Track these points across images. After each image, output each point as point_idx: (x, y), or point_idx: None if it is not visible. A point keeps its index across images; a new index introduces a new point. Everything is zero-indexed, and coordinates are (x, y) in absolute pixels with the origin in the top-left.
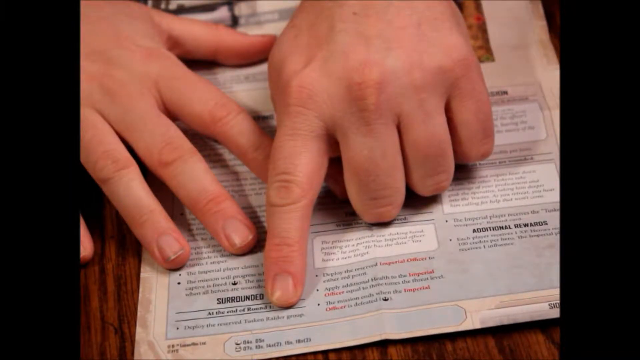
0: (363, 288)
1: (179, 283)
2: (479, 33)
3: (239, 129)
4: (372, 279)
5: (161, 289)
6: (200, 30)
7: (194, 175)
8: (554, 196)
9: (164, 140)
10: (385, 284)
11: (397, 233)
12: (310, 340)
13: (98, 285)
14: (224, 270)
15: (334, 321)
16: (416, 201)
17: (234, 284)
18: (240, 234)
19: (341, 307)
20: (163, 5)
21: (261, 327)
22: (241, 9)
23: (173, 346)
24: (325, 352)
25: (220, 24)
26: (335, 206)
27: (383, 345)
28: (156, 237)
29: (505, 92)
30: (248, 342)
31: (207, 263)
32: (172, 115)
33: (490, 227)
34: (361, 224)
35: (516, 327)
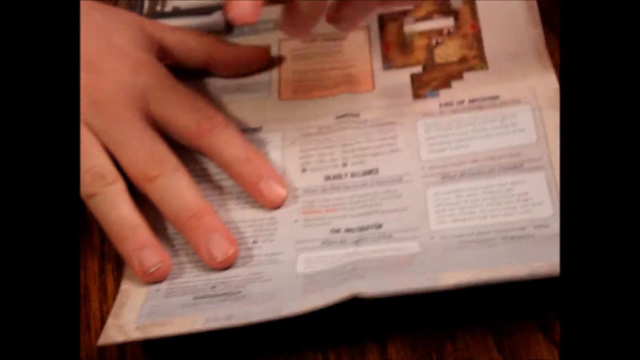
0: (340, 273)
1: (157, 290)
2: (474, 42)
3: (225, 143)
4: (351, 269)
5: (139, 295)
6: (193, 41)
7: (177, 191)
8: (542, 211)
9: (149, 155)
10: (363, 268)
11: (382, 250)
12: (281, 310)
13: (98, 285)
14: (204, 281)
15: (307, 296)
16: (402, 219)
17: (213, 287)
18: (221, 248)
19: (316, 289)
20: (159, 7)
21: (234, 309)
22: None
23: (143, 325)
24: (325, 352)
25: (214, 34)
26: (321, 222)
27: (383, 345)
28: (137, 250)
29: (497, 97)
30: (218, 318)
31: (188, 277)
32: (159, 127)
33: (476, 241)
34: (347, 241)
35: (516, 327)
